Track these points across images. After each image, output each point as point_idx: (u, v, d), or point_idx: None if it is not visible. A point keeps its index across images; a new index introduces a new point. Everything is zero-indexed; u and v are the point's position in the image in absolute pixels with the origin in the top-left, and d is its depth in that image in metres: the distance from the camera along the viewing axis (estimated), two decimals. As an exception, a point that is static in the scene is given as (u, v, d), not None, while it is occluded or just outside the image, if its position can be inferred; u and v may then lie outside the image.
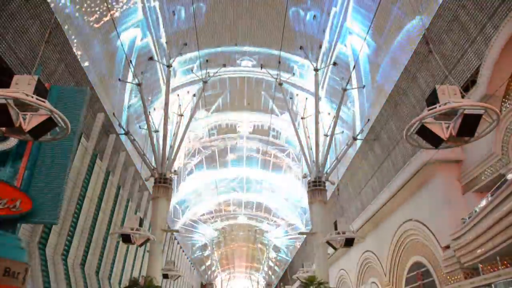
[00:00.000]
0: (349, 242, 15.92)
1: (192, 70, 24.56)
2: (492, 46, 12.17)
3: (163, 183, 19.40)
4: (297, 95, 26.54)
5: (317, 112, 20.89)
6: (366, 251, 24.38)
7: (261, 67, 24.42)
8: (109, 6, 17.00)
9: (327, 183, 19.96)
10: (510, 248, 11.08)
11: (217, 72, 24.69)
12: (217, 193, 42.93)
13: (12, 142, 11.91)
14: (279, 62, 23.05)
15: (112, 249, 24.36)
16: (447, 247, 14.46)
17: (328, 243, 16.57)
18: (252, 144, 39.15)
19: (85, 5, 16.39)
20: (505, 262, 12.02)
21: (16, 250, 11.15)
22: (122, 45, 18.59)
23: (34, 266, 15.10)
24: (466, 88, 13.81)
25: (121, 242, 17.32)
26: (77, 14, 16.16)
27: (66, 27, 15.49)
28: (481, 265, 13.00)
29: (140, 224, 15.78)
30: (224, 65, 25.33)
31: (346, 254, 27.90)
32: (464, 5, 12.88)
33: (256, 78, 29.00)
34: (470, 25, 13.06)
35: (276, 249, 56.77)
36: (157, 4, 20.48)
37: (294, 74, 24.94)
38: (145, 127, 21.29)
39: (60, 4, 14.51)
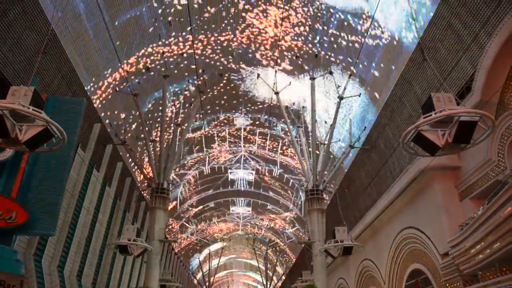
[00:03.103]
0: (347, 251, 15.87)
1: (188, 80, 24.65)
2: (486, 54, 12.29)
3: (160, 193, 19.33)
4: (293, 104, 26.63)
5: (314, 120, 20.96)
6: (364, 259, 24.27)
7: (258, 76, 24.54)
8: (106, 19, 17.07)
9: (324, 192, 19.96)
10: (509, 254, 11.06)
11: (214, 81, 24.87)
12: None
13: (8, 153, 11.89)
14: (276, 71, 23.17)
15: (109, 260, 24.18)
16: (446, 254, 14.42)
17: (327, 251, 16.52)
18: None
19: (82, 16, 16.45)
20: (504, 268, 11.98)
21: (11, 262, 11.07)
22: (118, 55, 18.64)
23: (30, 278, 14.95)
24: (461, 95, 13.91)
25: (118, 253, 17.20)
26: (74, 25, 16.21)
27: (63, 38, 15.55)
28: (480, 272, 12.95)
29: (137, 235, 15.69)
30: (221, 75, 25.43)
31: (345, 262, 27.77)
32: (458, 13, 13.03)
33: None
34: (464, 33, 13.20)
35: (275, 258, 56.58)
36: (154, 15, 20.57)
37: (290, 83, 25.03)
38: (142, 137, 21.28)
39: (57, 15, 14.56)
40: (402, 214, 18.73)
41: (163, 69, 21.90)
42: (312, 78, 21.26)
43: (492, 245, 11.43)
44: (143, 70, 22.05)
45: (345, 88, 20.74)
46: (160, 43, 21.44)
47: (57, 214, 12.77)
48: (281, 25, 21.41)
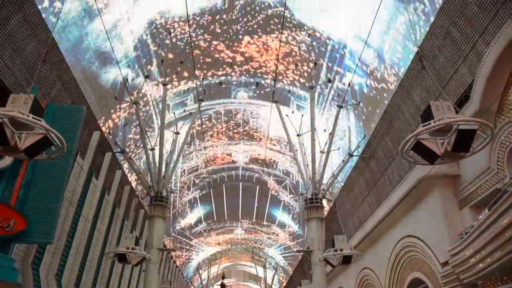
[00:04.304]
0: (346, 260, 15.78)
1: (188, 89, 24.72)
2: (484, 62, 12.36)
3: (159, 201, 19.23)
4: (292, 112, 26.67)
5: (313, 129, 20.96)
6: (364, 268, 24.16)
7: (257, 85, 24.62)
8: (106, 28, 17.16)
9: (324, 200, 19.90)
10: (510, 263, 11.02)
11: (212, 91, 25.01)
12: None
13: (7, 161, 11.89)
14: (275, 80, 23.25)
15: (107, 269, 24.01)
16: (446, 263, 14.37)
17: (326, 260, 16.43)
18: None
19: (83, 25, 16.55)
20: (505, 278, 11.93)
21: (9, 271, 11.01)
22: (118, 63, 18.72)
23: (27, 287, 14.83)
24: (460, 103, 13.95)
25: (116, 261, 17.08)
26: (74, 33, 16.31)
27: (63, 46, 15.61)
28: (480, 281, 12.89)
29: (136, 243, 15.60)
30: (220, 84, 25.50)
31: (345, 271, 27.63)
32: (456, 22, 13.12)
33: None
34: (462, 42, 13.28)
35: (274, 266, 56.23)
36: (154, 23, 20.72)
37: (289, 91, 25.13)
38: (141, 145, 21.23)
39: (58, 24, 14.65)
40: (402, 222, 18.68)
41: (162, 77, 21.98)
42: (311, 87, 21.30)
43: (492, 254, 11.38)
44: (144, 78, 22.13)
45: (344, 97, 20.81)
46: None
47: (55, 222, 12.74)
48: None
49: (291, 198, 40.07)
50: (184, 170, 36.05)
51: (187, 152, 33.34)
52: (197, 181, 38.61)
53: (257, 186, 40.23)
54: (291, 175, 37.02)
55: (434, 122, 7.06)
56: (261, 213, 44.80)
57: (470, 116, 10.79)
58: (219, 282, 53.56)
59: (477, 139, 7.19)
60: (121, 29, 18.97)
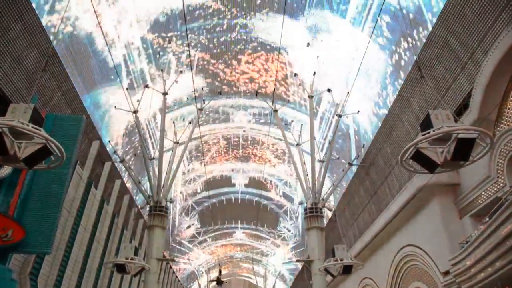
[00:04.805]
0: (347, 269, 15.68)
1: (187, 98, 24.77)
2: (482, 71, 12.41)
3: (159, 211, 19.16)
4: (292, 121, 26.71)
5: (312, 138, 20.97)
6: (365, 278, 23.98)
7: (256, 95, 24.67)
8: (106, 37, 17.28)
9: (324, 209, 19.82)
10: (511, 272, 10.94)
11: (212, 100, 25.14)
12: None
13: (6, 170, 11.85)
14: (274, 90, 23.30)
15: (106, 280, 23.83)
16: (447, 272, 14.27)
17: (326, 270, 16.32)
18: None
19: (83, 34, 16.65)
20: (506, 287, 11.84)
21: (6, 281, 10.91)
22: (118, 73, 18.79)
23: (25, 298, 14.69)
24: (459, 112, 13.97)
25: (115, 272, 16.97)
26: (74, 42, 16.39)
27: (63, 55, 15.68)
28: (482, 291, 12.79)
29: (135, 253, 15.50)
30: (220, 93, 25.58)
31: (345, 281, 27.42)
32: (454, 31, 13.21)
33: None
34: (461, 51, 13.35)
35: (275, 276, 55.85)
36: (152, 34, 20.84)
37: (289, 101, 25.19)
38: (141, 154, 21.21)
39: (58, 33, 14.74)
40: (402, 231, 18.59)
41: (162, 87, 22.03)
42: (310, 96, 21.35)
43: (493, 264, 11.30)
44: (143, 87, 22.16)
45: (343, 106, 20.83)
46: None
47: (54, 232, 12.66)
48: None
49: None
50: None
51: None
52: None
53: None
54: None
55: (434, 131, 7.07)
56: (259, 226, 44.94)
57: (469, 125, 10.82)
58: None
59: (476, 148, 7.19)
60: (121, 38, 19.07)
